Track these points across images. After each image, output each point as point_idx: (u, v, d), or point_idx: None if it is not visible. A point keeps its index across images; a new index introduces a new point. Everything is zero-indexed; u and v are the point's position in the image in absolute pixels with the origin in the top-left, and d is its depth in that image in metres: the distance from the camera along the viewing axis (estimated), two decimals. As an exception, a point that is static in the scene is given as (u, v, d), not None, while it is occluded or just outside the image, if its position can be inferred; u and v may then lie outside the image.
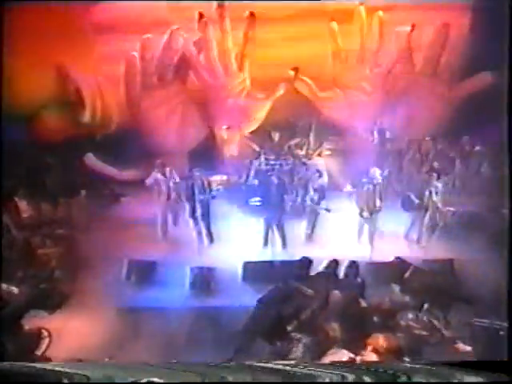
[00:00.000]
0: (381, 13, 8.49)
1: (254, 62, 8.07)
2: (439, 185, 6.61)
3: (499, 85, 7.73)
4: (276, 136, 8.27)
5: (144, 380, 3.20)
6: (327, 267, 4.49)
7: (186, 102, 8.36)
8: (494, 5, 7.57)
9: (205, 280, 5.61)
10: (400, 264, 5.48)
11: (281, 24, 8.07)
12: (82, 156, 8.08)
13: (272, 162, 7.55)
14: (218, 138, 8.07)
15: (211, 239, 6.56)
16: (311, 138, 8.17)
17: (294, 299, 3.95)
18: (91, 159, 8.44)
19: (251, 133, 8.18)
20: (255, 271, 5.75)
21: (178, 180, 6.65)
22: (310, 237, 6.45)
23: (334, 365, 3.35)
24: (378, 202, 6.23)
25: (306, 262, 4.23)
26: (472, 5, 8.35)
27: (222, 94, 8.03)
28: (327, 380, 3.04)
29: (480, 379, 2.52)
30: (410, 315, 3.87)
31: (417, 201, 6.48)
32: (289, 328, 3.65)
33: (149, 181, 6.86)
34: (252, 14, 7.58)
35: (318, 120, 8.50)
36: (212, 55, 7.79)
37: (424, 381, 2.66)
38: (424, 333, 3.79)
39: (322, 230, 6.48)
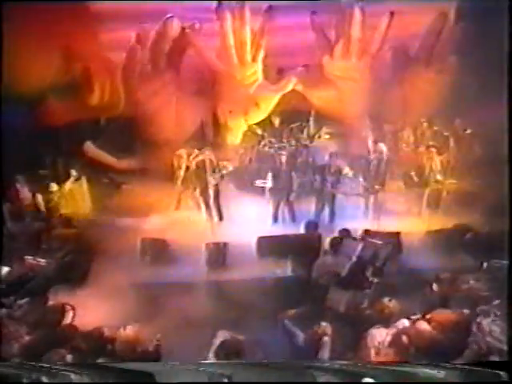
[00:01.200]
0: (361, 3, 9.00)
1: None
2: (438, 161, 6.97)
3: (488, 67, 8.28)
4: (276, 121, 8.48)
5: None
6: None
7: (184, 89, 8.62)
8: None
9: (220, 255, 5.67)
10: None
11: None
12: (82, 144, 8.21)
13: (276, 145, 7.70)
14: (222, 124, 8.18)
15: (220, 217, 6.68)
16: (311, 123, 8.46)
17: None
18: (90, 147, 8.55)
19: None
20: (270, 245, 5.79)
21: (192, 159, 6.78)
22: (318, 214, 6.57)
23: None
24: (382, 178, 6.53)
25: (344, 233, 4.45)
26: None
27: (234, 82, 8.08)
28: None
29: (480, 379, 2.48)
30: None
31: (416, 178, 6.83)
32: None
33: None
34: (270, 7, 7.72)
35: (316, 107, 8.94)
36: (228, 43, 7.84)
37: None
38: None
39: (330, 207, 6.68)
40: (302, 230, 5.93)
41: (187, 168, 6.78)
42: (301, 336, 3.52)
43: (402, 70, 9.19)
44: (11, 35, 6.33)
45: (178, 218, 6.71)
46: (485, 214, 6.91)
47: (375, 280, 3.94)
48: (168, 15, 7.59)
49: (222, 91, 8.20)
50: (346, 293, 3.83)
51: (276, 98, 8.41)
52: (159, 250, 5.86)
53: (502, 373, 2.45)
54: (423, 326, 3.25)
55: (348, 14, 8.55)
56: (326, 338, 3.25)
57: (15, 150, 7.21)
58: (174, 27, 7.42)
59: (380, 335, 3.22)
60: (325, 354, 3.21)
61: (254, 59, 8.17)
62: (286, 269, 5.23)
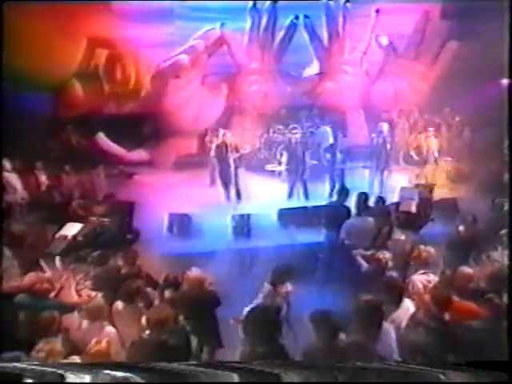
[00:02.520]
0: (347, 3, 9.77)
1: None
2: (435, 141, 7.67)
3: (471, 57, 9.12)
4: (283, 111, 9.02)
5: None
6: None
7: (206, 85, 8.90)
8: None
9: (245, 225, 6.08)
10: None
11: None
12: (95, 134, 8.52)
13: (290, 127, 8.33)
14: (236, 114, 8.65)
15: (239, 195, 7.11)
16: (314, 112, 9.05)
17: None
18: (102, 138, 8.87)
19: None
20: (289, 216, 6.34)
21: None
22: (331, 191, 7.01)
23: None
24: (385, 156, 7.16)
25: (363, 197, 4.95)
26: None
27: (252, 76, 8.71)
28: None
29: (480, 379, 2.46)
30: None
31: (416, 157, 7.50)
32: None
33: None
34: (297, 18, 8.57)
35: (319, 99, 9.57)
36: (255, 40, 8.50)
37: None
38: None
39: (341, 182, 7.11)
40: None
41: (209, 150, 7.29)
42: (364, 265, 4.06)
43: (393, 65, 10.04)
44: (35, 25, 6.71)
45: (203, 197, 7.05)
46: (474, 189, 7.71)
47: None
48: (210, 28, 8.22)
49: (241, 86, 8.76)
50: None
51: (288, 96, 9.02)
52: (185, 224, 6.31)
53: (502, 373, 2.43)
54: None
55: (339, 14, 9.45)
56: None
57: (36, 137, 7.59)
58: (213, 37, 8.10)
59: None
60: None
61: (275, 61, 8.82)
62: (307, 236, 5.77)
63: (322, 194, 7.00)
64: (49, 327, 3.07)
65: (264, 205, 6.67)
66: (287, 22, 8.73)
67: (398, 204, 5.25)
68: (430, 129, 7.91)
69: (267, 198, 6.95)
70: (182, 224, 6.25)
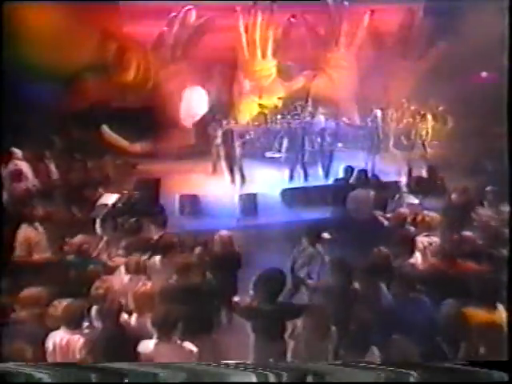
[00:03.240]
0: (346, 3, 10.41)
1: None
2: (421, 128, 8.30)
3: (454, 53, 9.81)
4: (280, 103, 9.65)
5: None
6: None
7: (196, 77, 9.37)
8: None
9: (252, 204, 6.51)
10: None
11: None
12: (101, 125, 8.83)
13: (292, 113, 8.84)
14: (236, 106, 9.27)
15: (243, 179, 7.52)
16: (309, 103, 9.57)
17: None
18: (106, 130, 9.19)
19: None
20: (292, 195, 6.86)
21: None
22: (327, 173, 7.64)
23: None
24: (377, 142, 7.73)
25: (363, 173, 5.48)
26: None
27: (253, 70, 9.34)
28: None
29: (480, 379, 2.46)
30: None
31: (406, 142, 8.12)
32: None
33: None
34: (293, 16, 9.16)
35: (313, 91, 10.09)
36: (256, 37, 9.12)
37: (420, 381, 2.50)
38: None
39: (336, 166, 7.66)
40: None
41: (213, 139, 7.72)
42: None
43: (382, 60, 10.67)
44: (49, 21, 7.03)
45: (207, 183, 7.55)
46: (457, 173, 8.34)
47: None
48: (187, 7, 8.56)
49: (240, 79, 9.33)
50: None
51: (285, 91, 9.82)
52: (196, 204, 6.69)
53: (502, 373, 2.42)
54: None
55: (336, 12, 10.05)
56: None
57: (46, 126, 7.86)
58: (193, 17, 8.39)
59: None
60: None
61: (274, 55, 9.47)
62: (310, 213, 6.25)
63: (319, 176, 7.57)
64: (94, 281, 3.46)
65: (267, 186, 7.16)
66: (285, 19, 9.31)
67: (410, 171, 5.87)
68: (417, 117, 8.52)
69: (269, 182, 7.43)
70: (193, 204, 6.63)
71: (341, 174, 6.52)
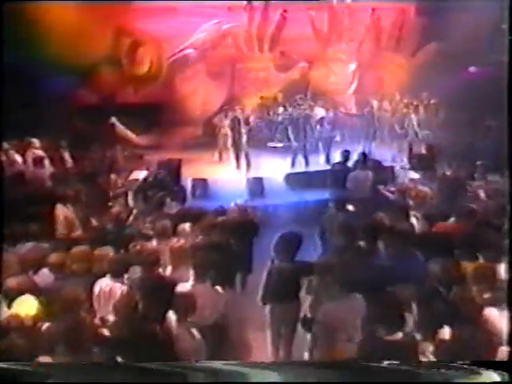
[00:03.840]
0: (348, 1, 11.00)
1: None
2: (414, 117, 8.87)
3: (446, 53, 10.43)
4: (280, 97, 10.19)
5: None
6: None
7: (211, 76, 9.93)
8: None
9: (259, 187, 7.03)
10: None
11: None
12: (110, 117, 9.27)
13: (284, 113, 9.28)
14: (239, 98, 9.68)
15: (249, 164, 8.07)
16: (308, 96, 10.12)
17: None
18: (115, 122, 9.63)
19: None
20: (295, 179, 7.38)
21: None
22: (327, 159, 8.21)
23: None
24: (373, 130, 8.27)
25: (362, 156, 6.03)
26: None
27: (252, 65, 9.90)
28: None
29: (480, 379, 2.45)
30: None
31: (399, 130, 8.69)
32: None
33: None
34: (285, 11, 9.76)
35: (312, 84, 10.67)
36: (252, 32, 9.66)
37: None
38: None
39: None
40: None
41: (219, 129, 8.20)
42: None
43: (377, 56, 11.26)
44: (66, 17, 7.45)
45: (214, 170, 8.09)
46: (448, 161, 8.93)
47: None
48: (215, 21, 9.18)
49: (241, 74, 9.85)
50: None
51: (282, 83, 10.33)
52: (207, 187, 7.18)
53: (502, 373, 2.43)
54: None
55: (339, 10, 10.62)
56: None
57: (62, 117, 8.29)
58: (219, 31, 9.10)
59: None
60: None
61: (270, 49, 10.00)
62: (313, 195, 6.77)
63: (319, 163, 8.12)
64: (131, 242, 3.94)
65: (272, 172, 7.66)
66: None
67: (410, 149, 6.43)
68: (410, 108, 9.10)
69: (273, 168, 7.92)
70: (204, 187, 7.11)
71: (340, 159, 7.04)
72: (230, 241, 4.16)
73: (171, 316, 3.00)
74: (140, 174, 5.56)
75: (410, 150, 7.34)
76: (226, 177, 7.66)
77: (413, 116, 9.11)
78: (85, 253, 3.60)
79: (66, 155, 8.31)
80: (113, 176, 6.98)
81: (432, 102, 10.38)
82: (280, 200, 6.83)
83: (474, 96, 9.53)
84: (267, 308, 3.74)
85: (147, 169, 5.89)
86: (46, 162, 7.83)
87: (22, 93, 7.06)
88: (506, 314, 2.82)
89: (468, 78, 10.79)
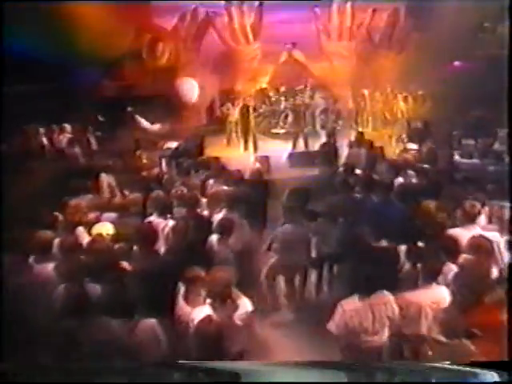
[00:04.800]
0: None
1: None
2: (403, 106, 10.00)
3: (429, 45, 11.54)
4: (283, 88, 11.18)
5: None
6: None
7: (204, 67, 10.99)
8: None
9: (265, 164, 8.03)
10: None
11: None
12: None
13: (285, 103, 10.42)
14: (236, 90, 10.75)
15: (256, 148, 9.17)
16: (308, 87, 11.18)
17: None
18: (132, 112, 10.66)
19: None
20: (296, 158, 8.45)
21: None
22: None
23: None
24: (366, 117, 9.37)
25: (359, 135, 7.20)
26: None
27: (241, 56, 10.84)
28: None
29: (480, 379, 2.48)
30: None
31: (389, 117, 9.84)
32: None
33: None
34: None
35: (312, 77, 11.76)
36: (236, 25, 10.60)
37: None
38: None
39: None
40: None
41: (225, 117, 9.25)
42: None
43: (372, 52, 12.37)
44: (94, 16, 8.45)
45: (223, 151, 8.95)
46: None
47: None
48: (194, 4, 10.10)
49: (232, 64, 10.83)
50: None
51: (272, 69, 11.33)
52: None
53: (502, 373, 2.46)
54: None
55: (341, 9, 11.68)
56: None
57: (90, 105, 9.31)
58: (200, 13, 9.98)
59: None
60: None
61: (255, 39, 10.95)
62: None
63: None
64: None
65: (275, 153, 8.70)
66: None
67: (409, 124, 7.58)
68: (400, 98, 10.24)
69: (276, 150, 8.98)
70: (218, 163, 8.11)
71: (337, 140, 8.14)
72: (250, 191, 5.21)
73: (213, 238, 4.04)
74: (172, 144, 6.60)
75: (409, 124, 8.86)
76: (236, 156, 8.71)
77: (402, 104, 10.21)
78: (138, 198, 4.64)
79: (92, 139, 9.49)
80: (138, 152, 8.12)
81: (420, 93, 11.51)
82: (283, 175, 7.86)
83: (458, 87, 10.65)
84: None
85: (178, 141, 6.94)
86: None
87: (56, 83, 8.07)
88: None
89: (453, 72, 11.91)
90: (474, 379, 2.52)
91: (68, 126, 8.69)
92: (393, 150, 8.20)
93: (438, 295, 3.03)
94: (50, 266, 3.43)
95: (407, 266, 3.39)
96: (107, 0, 8.21)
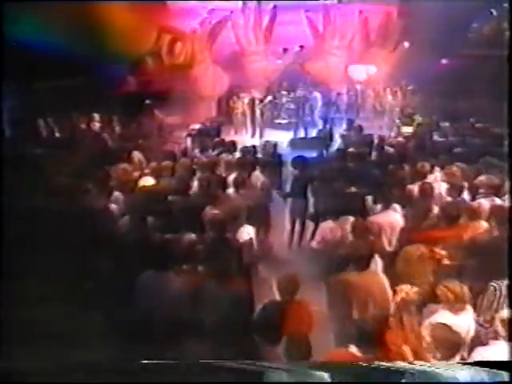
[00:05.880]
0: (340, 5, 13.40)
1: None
2: (391, 96, 11.31)
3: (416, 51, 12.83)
4: (285, 83, 12.58)
5: None
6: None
7: (216, 63, 12.36)
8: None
9: (272, 148, 9.35)
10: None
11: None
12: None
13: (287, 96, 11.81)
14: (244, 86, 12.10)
15: (262, 135, 10.52)
16: (308, 84, 12.46)
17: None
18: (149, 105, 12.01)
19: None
20: (296, 143, 9.77)
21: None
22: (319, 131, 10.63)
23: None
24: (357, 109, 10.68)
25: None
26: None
27: (251, 57, 12.29)
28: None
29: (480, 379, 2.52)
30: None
31: (379, 108, 11.15)
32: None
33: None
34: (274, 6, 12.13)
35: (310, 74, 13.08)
36: (250, 27, 12.03)
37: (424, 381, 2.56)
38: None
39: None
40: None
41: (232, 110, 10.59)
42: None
43: (366, 51, 13.65)
44: (120, 17, 9.80)
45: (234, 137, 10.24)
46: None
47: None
48: (210, 8, 11.46)
49: (243, 63, 12.28)
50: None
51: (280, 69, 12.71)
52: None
53: (502, 373, 2.50)
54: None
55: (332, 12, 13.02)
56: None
57: (116, 97, 10.65)
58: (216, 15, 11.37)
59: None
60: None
61: (265, 41, 12.38)
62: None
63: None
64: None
65: (279, 139, 9.99)
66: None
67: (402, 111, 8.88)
68: (390, 92, 11.54)
69: (280, 136, 10.29)
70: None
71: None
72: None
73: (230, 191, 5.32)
74: (195, 126, 7.97)
75: (402, 111, 10.52)
76: (243, 142, 10.00)
77: (391, 98, 11.50)
78: (169, 164, 5.93)
79: (117, 127, 10.84)
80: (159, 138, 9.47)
81: (409, 88, 12.77)
82: (285, 157, 9.16)
83: (444, 83, 11.90)
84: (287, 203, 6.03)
85: (201, 123, 8.34)
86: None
87: (87, 77, 9.40)
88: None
89: (440, 69, 13.16)
90: (475, 379, 2.52)
91: (96, 115, 10.08)
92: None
93: (393, 218, 4.30)
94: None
95: (370, 201, 4.68)
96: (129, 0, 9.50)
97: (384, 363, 2.65)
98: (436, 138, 8.33)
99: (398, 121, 10.29)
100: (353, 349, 2.71)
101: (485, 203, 4.43)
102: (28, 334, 3.12)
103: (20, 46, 8.16)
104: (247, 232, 4.29)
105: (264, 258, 4.68)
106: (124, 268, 3.67)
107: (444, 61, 13.53)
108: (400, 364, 2.69)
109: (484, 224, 4.00)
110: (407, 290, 3.21)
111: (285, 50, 12.36)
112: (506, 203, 4.41)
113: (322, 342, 3.03)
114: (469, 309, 3.11)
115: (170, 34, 10.36)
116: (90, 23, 9.18)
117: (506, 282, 3.23)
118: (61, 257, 3.70)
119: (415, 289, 3.21)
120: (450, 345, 2.72)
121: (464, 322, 3.02)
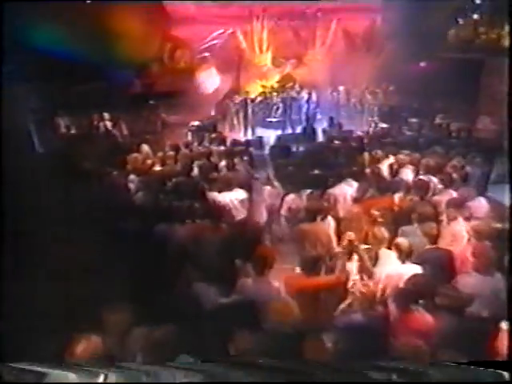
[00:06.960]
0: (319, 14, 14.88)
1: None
2: (369, 97, 12.80)
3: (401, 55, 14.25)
4: (276, 85, 14.05)
5: None
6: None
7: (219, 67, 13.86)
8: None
9: (260, 143, 10.81)
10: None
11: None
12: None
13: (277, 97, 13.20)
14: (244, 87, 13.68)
15: (253, 132, 11.95)
16: (296, 85, 13.92)
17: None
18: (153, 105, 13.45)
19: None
20: (284, 138, 11.19)
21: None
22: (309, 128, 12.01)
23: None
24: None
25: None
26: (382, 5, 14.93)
27: (252, 63, 13.82)
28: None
29: (480, 379, 2.52)
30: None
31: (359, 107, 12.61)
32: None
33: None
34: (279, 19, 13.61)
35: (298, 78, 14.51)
36: (254, 38, 13.56)
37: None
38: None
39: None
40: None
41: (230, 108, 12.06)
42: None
43: (351, 54, 15.06)
44: (126, 24, 11.21)
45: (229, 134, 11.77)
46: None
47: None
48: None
49: (243, 68, 13.78)
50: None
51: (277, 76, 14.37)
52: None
53: (503, 373, 2.51)
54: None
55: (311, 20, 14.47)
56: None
57: (123, 99, 12.07)
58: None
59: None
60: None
61: (267, 50, 13.88)
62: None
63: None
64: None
65: (269, 135, 11.45)
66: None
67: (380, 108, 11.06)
68: (370, 93, 12.98)
69: (269, 133, 11.73)
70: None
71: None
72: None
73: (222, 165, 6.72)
74: (195, 122, 9.41)
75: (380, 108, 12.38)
76: (237, 137, 11.40)
77: (371, 99, 12.96)
78: (172, 155, 7.33)
79: (123, 126, 12.28)
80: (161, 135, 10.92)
81: (390, 89, 14.17)
82: (271, 150, 10.56)
83: (423, 84, 13.30)
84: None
85: (200, 120, 9.77)
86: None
87: (98, 82, 10.84)
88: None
89: (419, 71, 14.54)
90: (474, 379, 2.55)
91: (107, 114, 11.51)
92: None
93: (346, 190, 5.73)
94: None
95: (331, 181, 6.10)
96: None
97: (384, 363, 2.69)
98: (404, 131, 9.84)
99: (376, 118, 11.69)
100: (298, 270, 4.12)
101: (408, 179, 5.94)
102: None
103: (42, 54, 9.60)
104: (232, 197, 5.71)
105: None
106: (142, 225, 5.06)
107: (422, 63, 14.93)
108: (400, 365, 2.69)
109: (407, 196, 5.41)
110: (350, 236, 4.58)
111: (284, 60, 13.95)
112: (434, 179, 5.80)
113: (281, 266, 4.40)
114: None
115: (170, 42, 11.79)
116: (101, 35, 10.61)
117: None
118: (95, 222, 5.10)
119: (354, 235, 4.60)
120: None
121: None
